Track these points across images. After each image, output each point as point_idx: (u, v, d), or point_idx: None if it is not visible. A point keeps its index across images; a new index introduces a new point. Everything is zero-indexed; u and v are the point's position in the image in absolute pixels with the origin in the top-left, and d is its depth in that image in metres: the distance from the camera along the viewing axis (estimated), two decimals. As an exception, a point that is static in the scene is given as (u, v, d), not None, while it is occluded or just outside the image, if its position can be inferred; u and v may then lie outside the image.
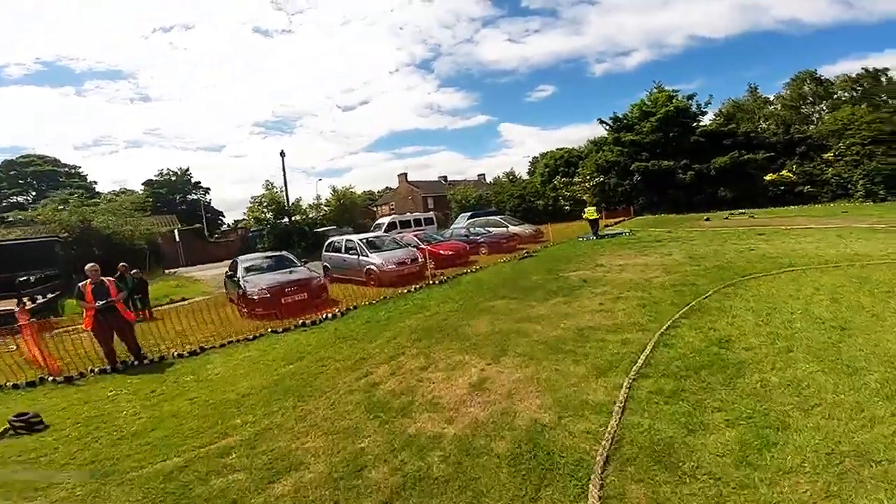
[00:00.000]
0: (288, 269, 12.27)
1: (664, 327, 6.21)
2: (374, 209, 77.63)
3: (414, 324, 8.44)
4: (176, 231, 36.75)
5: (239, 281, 11.54)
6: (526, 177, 52.92)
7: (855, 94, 32.20)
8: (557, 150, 45.06)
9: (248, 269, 12.18)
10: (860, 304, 6.42)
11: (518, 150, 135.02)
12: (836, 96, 33.10)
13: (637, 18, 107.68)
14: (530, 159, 63.07)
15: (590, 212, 21.02)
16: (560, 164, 43.17)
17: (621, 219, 30.48)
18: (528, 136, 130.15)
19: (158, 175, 61.06)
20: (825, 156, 29.47)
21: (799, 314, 6.23)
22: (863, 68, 32.20)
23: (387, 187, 67.25)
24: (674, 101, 32.21)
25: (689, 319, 6.59)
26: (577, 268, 12.61)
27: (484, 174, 70.26)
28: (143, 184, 59.74)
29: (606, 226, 26.77)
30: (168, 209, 51.35)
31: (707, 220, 24.45)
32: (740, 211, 27.17)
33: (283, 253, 14.85)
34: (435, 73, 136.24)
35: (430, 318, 8.85)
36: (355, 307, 10.61)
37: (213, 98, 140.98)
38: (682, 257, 12.43)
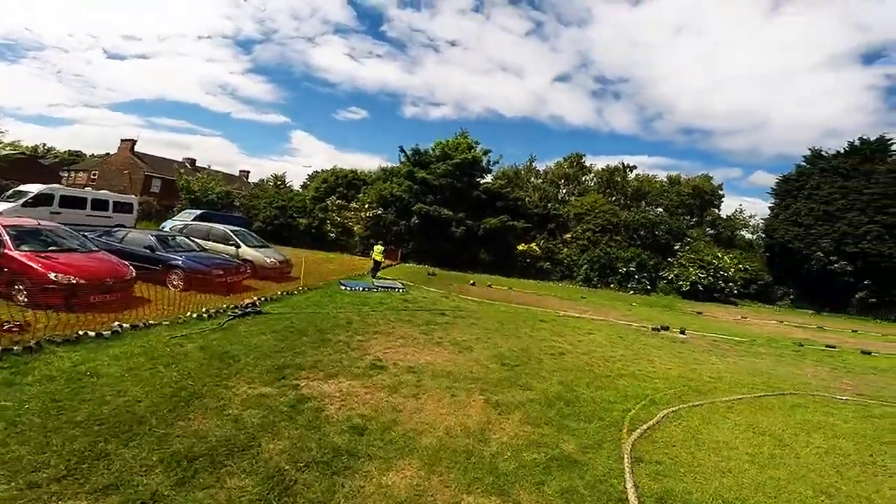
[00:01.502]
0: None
1: None
2: (64, 173, 54.16)
3: None
4: None
5: None
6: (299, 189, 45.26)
7: (600, 183, 39.22)
8: (342, 169, 39.83)
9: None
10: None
11: (304, 161, 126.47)
12: (585, 183, 39.64)
13: (461, 78, 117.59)
14: (310, 172, 55.63)
15: (377, 251, 19.73)
16: (341, 183, 37.86)
17: (389, 263, 26.82)
18: (319, 151, 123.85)
19: None
20: (566, 236, 33.45)
21: None
22: (620, 162, 39.82)
23: (107, 153, 47.50)
24: (472, 151, 31.71)
25: None
26: (329, 367, 6.89)
27: (249, 172, 58.49)
28: None
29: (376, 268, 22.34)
30: None
31: (473, 284, 22.94)
32: (488, 282, 26.94)
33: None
34: (252, 55, 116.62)
35: None
36: None
37: None
38: (488, 359, 8.33)
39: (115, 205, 19.68)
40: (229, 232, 14.88)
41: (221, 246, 14.15)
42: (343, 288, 14.40)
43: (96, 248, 9.64)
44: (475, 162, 32.10)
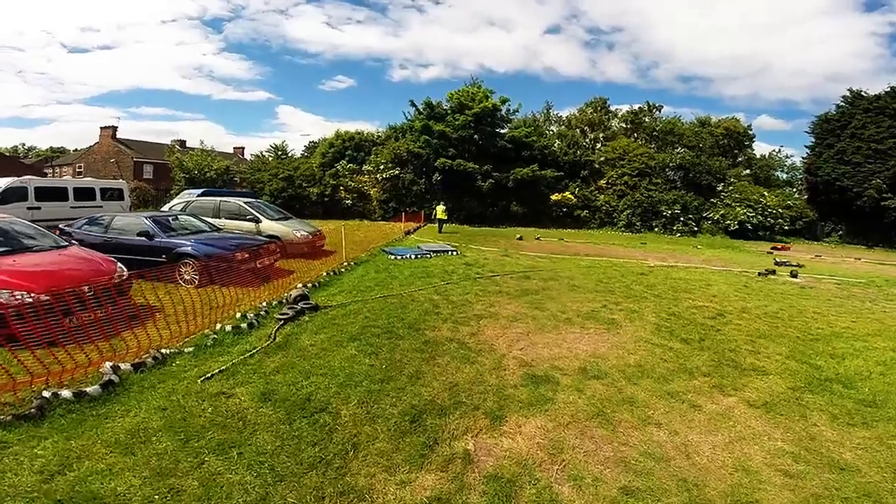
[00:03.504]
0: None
1: None
2: (49, 170, 50.83)
3: None
4: None
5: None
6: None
7: (627, 127, 35.79)
8: (346, 132, 36.24)
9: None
10: None
11: (295, 135, 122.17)
12: (611, 129, 36.17)
13: (448, 37, 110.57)
14: (307, 143, 51.66)
15: (440, 210, 21.61)
16: (349, 146, 34.35)
17: (417, 225, 24.21)
18: (310, 123, 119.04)
19: None
20: (600, 182, 30.63)
21: None
22: (647, 102, 36.20)
23: (94, 144, 43.90)
24: (489, 100, 28.30)
25: None
26: (475, 395, 4.47)
27: (243, 148, 54.68)
28: None
29: (408, 232, 19.75)
30: None
31: (520, 238, 20.40)
32: (535, 235, 24.51)
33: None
34: (224, 34, 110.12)
35: None
36: None
37: None
38: (652, 333, 6.18)
39: (104, 192, 16.87)
40: (243, 205, 12.11)
41: (237, 223, 11.49)
42: (392, 257, 11.87)
43: (66, 244, 6.93)
44: (495, 111, 28.71)
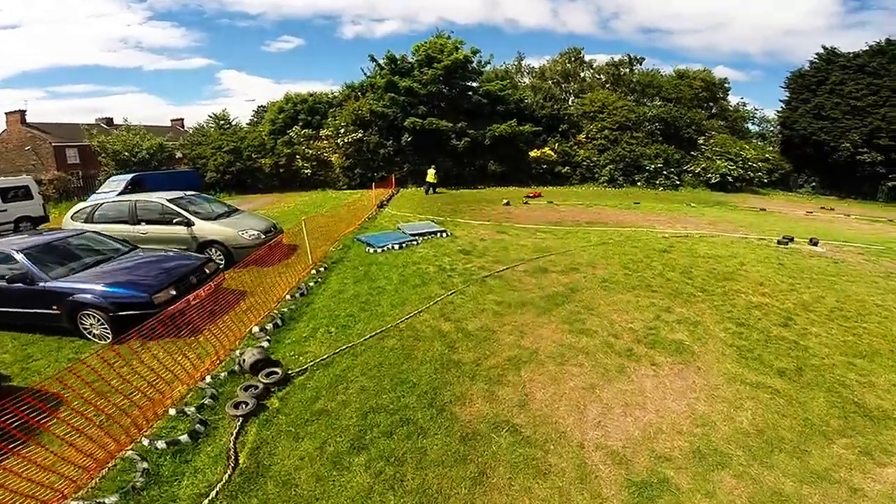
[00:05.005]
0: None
1: None
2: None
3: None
4: None
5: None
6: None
7: (604, 79, 33.38)
8: (298, 94, 31.94)
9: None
10: None
11: (241, 100, 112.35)
12: (585, 81, 33.62)
13: None
14: (256, 108, 45.95)
15: (430, 174, 22.34)
16: (301, 110, 30.34)
17: (390, 193, 21.77)
18: (257, 87, 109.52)
19: None
20: (579, 137, 28.74)
21: None
22: (626, 54, 33.62)
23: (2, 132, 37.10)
24: (460, 51, 25.02)
25: None
26: None
27: (182, 119, 48.39)
28: None
29: (382, 204, 17.39)
30: None
31: (507, 203, 18.48)
32: (520, 197, 22.67)
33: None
34: (148, 3, 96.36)
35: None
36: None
37: None
38: (737, 364, 4.52)
39: (4, 193, 13.52)
40: (167, 203, 9.00)
41: (161, 229, 8.81)
42: (370, 250, 9.68)
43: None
44: (466, 63, 25.52)
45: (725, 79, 37.18)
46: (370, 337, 5.55)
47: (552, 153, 27.95)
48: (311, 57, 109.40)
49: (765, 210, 19.73)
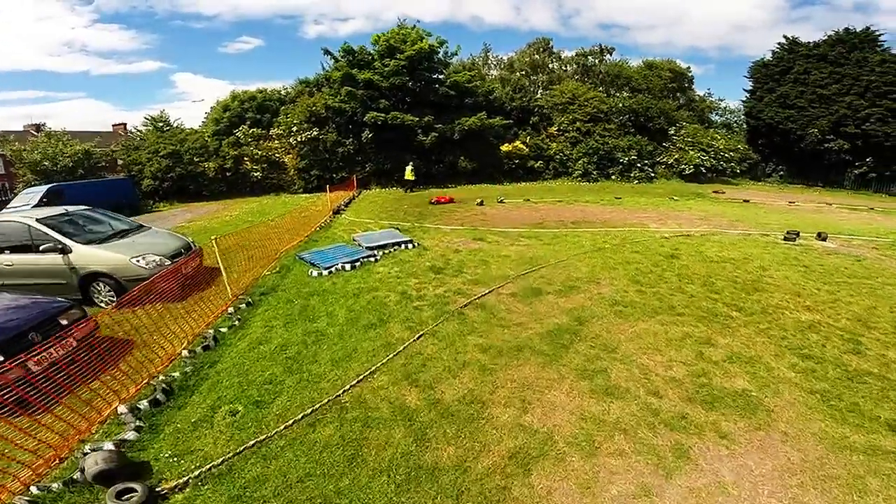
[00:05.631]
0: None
1: None
2: None
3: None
4: None
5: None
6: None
7: (573, 70, 32.08)
8: (245, 91, 29.07)
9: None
10: None
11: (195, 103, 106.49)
12: (555, 73, 32.23)
13: None
14: (209, 108, 42.20)
15: (408, 171, 21.26)
16: (249, 108, 27.55)
17: (349, 196, 19.69)
18: (214, 89, 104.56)
19: None
20: (550, 130, 27.43)
21: None
22: (599, 45, 32.39)
23: None
24: (425, 40, 22.97)
25: None
26: None
27: (125, 124, 43.88)
28: None
29: (338, 210, 15.31)
30: None
31: (480, 203, 16.77)
32: (496, 196, 21.16)
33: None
34: (94, 5, 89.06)
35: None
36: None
37: None
38: (839, 423, 2.59)
39: None
40: (36, 224, 6.69)
41: (28, 260, 6.51)
42: (315, 274, 7.65)
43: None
44: (432, 53, 23.50)
45: (688, 68, 36.98)
46: (295, 422, 3.63)
47: (524, 147, 26.47)
48: (271, 57, 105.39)
49: (748, 201, 18.88)
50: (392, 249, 9.13)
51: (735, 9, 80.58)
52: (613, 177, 26.81)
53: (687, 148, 28.33)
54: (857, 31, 30.42)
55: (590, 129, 26.98)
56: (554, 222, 12.28)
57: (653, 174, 27.57)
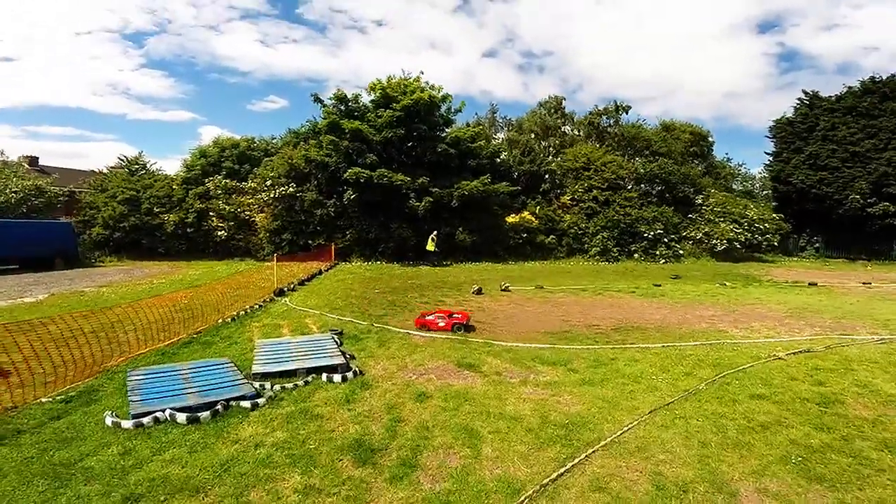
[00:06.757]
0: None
1: None
2: None
3: None
4: None
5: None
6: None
7: (587, 133, 29.53)
8: (230, 138, 26.64)
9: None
10: None
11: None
12: (566, 135, 29.78)
13: (388, 58, 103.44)
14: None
15: (431, 244, 19.07)
16: (228, 157, 24.77)
17: (315, 270, 16.01)
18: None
19: None
20: (563, 199, 24.20)
21: None
22: (614, 101, 29.85)
23: None
24: (425, 91, 20.47)
25: None
26: None
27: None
28: None
29: (282, 291, 11.50)
30: None
31: (478, 291, 12.86)
32: (501, 281, 17.38)
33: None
34: (145, 49, 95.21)
35: None
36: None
37: None
38: None
39: None
40: None
41: None
42: (108, 423, 3.55)
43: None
44: (432, 106, 20.89)
45: (709, 132, 34.29)
46: None
47: (533, 218, 23.06)
48: (292, 118, 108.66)
49: (815, 285, 14.88)
50: (302, 382, 5.11)
51: (727, 77, 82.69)
52: (636, 255, 22.99)
53: (717, 220, 24.72)
54: (884, 78, 27.61)
55: (608, 198, 23.70)
56: (585, 328, 8.27)
57: (680, 251, 23.83)
